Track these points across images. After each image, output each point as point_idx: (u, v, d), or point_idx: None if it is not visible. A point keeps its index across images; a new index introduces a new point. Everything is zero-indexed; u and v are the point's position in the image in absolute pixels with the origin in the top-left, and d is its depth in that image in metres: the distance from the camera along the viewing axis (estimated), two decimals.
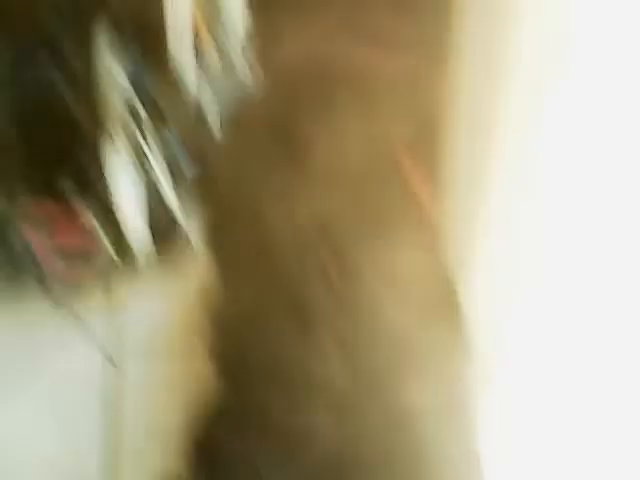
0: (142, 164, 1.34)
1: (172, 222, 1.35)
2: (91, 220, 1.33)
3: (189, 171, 1.35)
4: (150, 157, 1.35)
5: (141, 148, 1.35)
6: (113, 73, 1.39)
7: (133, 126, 1.35)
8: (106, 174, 1.33)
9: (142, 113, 1.37)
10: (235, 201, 1.09)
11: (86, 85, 1.45)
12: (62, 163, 1.39)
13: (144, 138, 1.35)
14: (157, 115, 1.38)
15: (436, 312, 0.94)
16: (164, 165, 1.36)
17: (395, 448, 0.90)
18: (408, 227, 0.96)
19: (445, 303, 0.95)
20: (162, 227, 1.34)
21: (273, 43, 1.05)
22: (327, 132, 0.96)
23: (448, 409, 0.93)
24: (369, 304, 0.93)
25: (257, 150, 1.06)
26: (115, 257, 1.32)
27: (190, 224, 1.34)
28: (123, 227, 1.32)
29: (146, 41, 1.43)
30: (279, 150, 1.01)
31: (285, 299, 0.96)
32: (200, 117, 1.39)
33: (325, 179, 0.97)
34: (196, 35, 1.39)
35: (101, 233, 1.32)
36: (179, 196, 1.34)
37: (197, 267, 1.30)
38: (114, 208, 1.32)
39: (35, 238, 1.33)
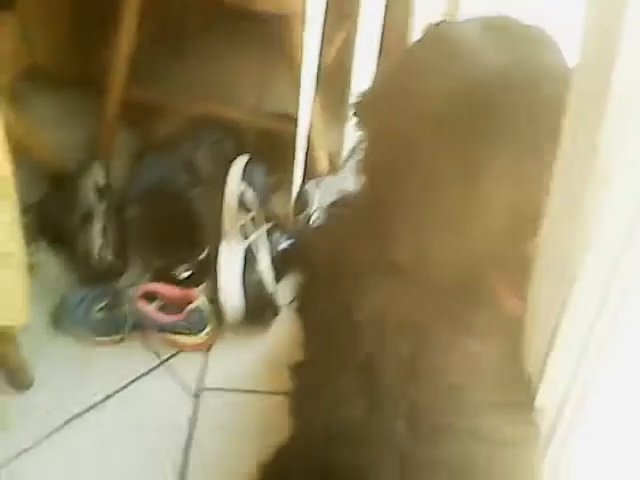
0: (247, 248, 1.55)
1: (264, 297, 1.53)
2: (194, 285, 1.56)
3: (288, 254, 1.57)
4: (254, 243, 1.56)
5: (248, 233, 1.57)
6: (235, 176, 1.65)
7: (246, 221, 1.59)
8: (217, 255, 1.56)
9: (255, 212, 1.61)
10: (326, 275, 1.22)
11: (210, 183, 1.71)
12: (179, 249, 1.63)
13: (252, 225, 1.58)
14: (267, 208, 1.64)
15: (508, 398, 1.04)
16: (265, 250, 1.57)
17: None
18: (488, 324, 1.05)
19: (518, 389, 1.03)
20: (255, 301, 1.52)
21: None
22: (415, 236, 1.05)
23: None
24: (435, 373, 1.01)
25: (349, 238, 1.19)
26: (208, 315, 1.51)
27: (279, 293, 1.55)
28: (221, 293, 1.52)
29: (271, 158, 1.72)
30: (371, 245, 1.14)
31: (358, 375, 1.02)
32: (305, 211, 1.63)
33: (413, 281, 1.06)
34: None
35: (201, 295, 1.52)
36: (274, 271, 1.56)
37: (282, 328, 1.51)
38: (217, 278, 1.52)
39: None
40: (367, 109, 1.17)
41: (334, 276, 1.13)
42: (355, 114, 1.19)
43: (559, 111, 0.81)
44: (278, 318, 1.54)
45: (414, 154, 1.03)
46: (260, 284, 1.52)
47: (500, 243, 1.02)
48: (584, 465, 1.01)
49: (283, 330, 1.52)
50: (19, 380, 1.45)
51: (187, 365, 1.51)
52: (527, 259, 0.96)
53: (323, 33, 1.50)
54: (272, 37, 1.66)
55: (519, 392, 0.98)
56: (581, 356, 0.89)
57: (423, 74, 1.05)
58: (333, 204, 1.39)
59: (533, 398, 0.96)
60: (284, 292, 1.56)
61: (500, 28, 1.07)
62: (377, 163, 1.12)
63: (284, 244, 1.60)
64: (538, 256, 0.93)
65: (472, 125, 0.97)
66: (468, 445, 0.95)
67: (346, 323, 1.06)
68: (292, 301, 1.40)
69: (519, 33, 1.07)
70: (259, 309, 1.52)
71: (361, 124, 1.18)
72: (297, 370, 1.16)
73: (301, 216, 1.64)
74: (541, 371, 0.93)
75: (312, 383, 1.10)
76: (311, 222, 1.62)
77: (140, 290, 1.54)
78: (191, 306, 1.50)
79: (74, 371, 1.50)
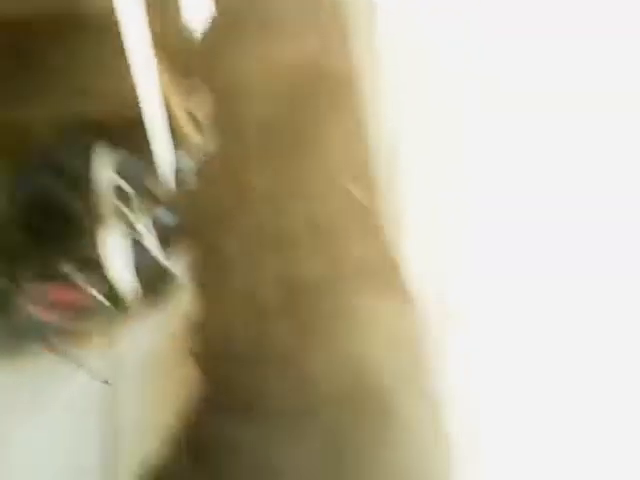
0: (132, 232, 1.53)
1: (158, 271, 1.51)
2: (85, 279, 1.51)
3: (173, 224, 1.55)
4: (138, 225, 1.53)
5: (130, 219, 1.54)
6: (105, 170, 1.62)
7: (123, 203, 1.56)
8: (100, 246, 1.52)
9: (130, 192, 1.59)
10: (203, 235, 1.24)
11: (82, 182, 1.69)
12: (62, 249, 1.60)
13: (132, 211, 1.55)
14: (144, 190, 1.61)
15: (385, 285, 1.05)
16: (151, 228, 1.54)
17: (356, 397, 0.98)
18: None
19: (393, 278, 1.05)
20: (150, 277, 1.50)
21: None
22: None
23: (408, 368, 1.01)
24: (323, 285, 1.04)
25: (215, 194, 1.22)
26: (108, 305, 1.48)
27: (174, 267, 1.51)
28: (114, 281, 1.49)
29: (130, 138, 1.69)
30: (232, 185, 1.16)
31: (247, 307, 1.08)
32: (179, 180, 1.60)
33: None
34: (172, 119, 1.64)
35: (94, 289, 1.48)
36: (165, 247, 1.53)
37: (180, 300, 1.47)
38: (106, 267, 1.49)
39: (34, 300, 1.49)
40: (199, 63, 1.19)
41: (208, 225, 1.16)
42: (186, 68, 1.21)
43: None
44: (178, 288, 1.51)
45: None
46: (151, 259, 1.51)
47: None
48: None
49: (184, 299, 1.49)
50: None
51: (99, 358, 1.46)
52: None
53: None
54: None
55: (395, 279, 1.00)
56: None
57: None
58: (198, 165, 1.41)
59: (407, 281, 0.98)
60: (180, 264, 1.52)
61: None
62: (219, 115, 1.16)
63: (169, 218, 1.57)
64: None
65: None
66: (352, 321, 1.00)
67: (218, 260, 1.16)
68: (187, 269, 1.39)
69: None
70: (155, 281, 1.50)
71: (197, 79, 1.21)
72: (198, 330, 1.22)
73: (178, 187, 1.62)
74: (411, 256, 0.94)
75: (213, 329, 1.18)
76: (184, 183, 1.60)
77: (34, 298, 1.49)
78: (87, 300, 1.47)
79: None
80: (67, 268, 1.53)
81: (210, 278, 1.16)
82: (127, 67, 1.60)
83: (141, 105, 1.59)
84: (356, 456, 0.97)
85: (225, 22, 1.19)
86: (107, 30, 1.63)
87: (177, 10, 1.64)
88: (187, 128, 1.68)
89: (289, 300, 1.04)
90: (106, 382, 1.38)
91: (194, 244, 1.26)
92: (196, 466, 1.06)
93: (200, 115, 1.70)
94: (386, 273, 1.04)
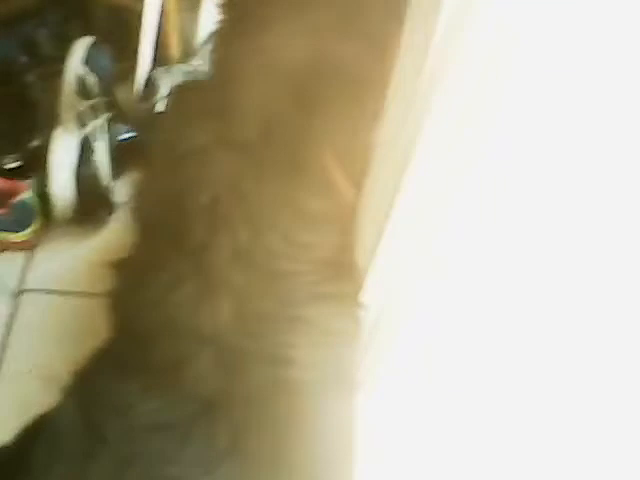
0: (84, 136, 1.40)
1: (99, 189, 1.38)
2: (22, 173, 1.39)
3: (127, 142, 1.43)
4: (93, 131, 1.41)
5: (86, 121, 1.41)
6: (75, 58, 1.48)
7: (84, 100, 1.42)
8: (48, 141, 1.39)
9: (96, 99, 1.44)
10: (164, 162, 1.11)
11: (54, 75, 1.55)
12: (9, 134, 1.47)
13: (92, 112, 1.42)
14: (111, 94, 1.48)
15: (335, 289, 0.96)
16: (105, 139, 1.42)
17: (270, 395, 0.90)
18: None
19: (346, 281, 0.97)
20: (88, 192, 1.37)
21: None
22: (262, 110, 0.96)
23: (331, 374, 0.94)
24: (267, 260, 0.95)
25: (191, 119, 1.08)
26: (36, 207, 1.35)
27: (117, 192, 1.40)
28: (51, 185, 1.36)
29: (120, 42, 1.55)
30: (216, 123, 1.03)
31: (189, 261, 0.96)
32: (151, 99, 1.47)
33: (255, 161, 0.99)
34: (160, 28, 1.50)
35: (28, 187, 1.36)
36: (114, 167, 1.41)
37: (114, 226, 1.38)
38: (48, 166, 1.37)
39: None
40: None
41: (171, 162, 1.02)
42: None
43: None
44: (113, 217, 1.41)
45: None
46: (95, 177, 1.37)
47: (341, 129, 0.94)
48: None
49: (116, 231, 1.39)
50: None
51: (9, 264, 1.36)
52: (369, 149, 0.88)
53: None
54: None
55: (347, 284, 0.92)
56: (408, 250, 0.81)
57: None
58: (179, 86, 1.25)
59: (359, 291, 0.90)
60: (122, 189, 1.42)
61: None
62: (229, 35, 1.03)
63: (125, 135, 1.45)
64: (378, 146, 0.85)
65: None
66: (291, 335, 0.90)
67: (182, 209, 0.95)
68: (129, 199, 1.27)
69: None
70: (92, 204, 1.37)
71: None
72: (120, 267, 1.04)
73: (146, 104, 1.48)
74: (368, 265, 0.86)
75: (137, 277, 1.00)
76: (156, 110, 1.47)
77: None
78: (17, 199, 1.34)
79: None
80: (8, 160, 1.41)
81: (159, 233, 1.01)
82: None
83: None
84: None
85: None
86: None
87: None
88: (174, 49, 1.55)
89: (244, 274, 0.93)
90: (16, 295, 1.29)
91: (150, 177, 1.11)
92: (80, 418, 0.97)
93: (192, 38, 1.57)
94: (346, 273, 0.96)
